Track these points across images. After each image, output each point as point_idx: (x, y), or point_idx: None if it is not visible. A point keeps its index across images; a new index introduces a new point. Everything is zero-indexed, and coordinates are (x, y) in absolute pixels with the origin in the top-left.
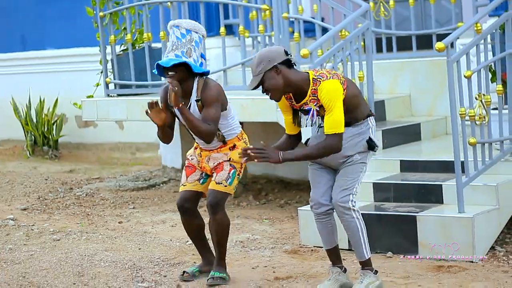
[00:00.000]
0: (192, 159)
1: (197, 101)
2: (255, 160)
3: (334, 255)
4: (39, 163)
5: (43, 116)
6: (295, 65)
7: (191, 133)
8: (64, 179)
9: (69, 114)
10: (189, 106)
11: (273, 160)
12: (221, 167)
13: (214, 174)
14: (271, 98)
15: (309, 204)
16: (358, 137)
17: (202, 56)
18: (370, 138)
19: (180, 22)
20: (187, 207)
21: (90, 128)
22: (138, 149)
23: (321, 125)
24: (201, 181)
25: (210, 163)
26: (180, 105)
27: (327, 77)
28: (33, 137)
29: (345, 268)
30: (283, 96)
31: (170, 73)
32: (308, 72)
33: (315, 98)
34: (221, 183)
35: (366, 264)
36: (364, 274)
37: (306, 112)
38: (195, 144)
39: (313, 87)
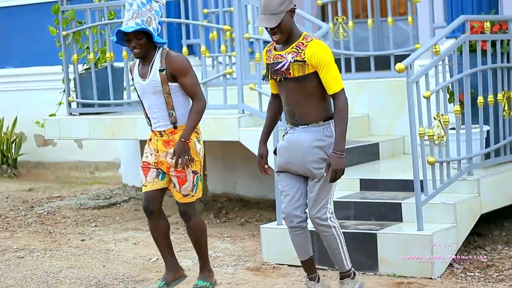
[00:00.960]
0: (147, 156)
1: (161, 70)
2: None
3: (309, 266)
4: None
5: (2, 135)
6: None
7: (146, 111)
8: (24, 197)
9: (28, 133)
10: (148, 74)
11: (340, 163)
12: (184, 178)
13: (177, 185)
14: (276, 40)
15: (270, 222)
16: (325, 148)
17: (160, 23)
18: None
19: None
20: (152, 209)
21: (49, 147)
22: (97, 168)
23: (284, 77)
24: (159, 177)
25: (168, 158)
26: (187, 140)
27: (315, 37)
28: None
29: (319, 277)
30: (265, 50)
31: (137, 37)
32: None
33: (296, 51)
34: (188, 195)
35: (345, 274)
36: (342, 283)
37: (276, 64)
38: (150, 136)
39: (301, 41)
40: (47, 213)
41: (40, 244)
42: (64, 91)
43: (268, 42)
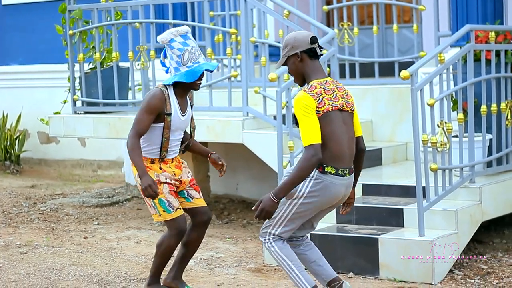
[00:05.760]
0: (166, 179)
1: (191, 105)
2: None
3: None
4: (1, 178)
5: (5, 131)
6: (319, 55)
7: (167, 145)
8: (27, 194)
9: (32, 130)
10: (186, 110)
11: (270, 206)
12: (198, 186)
13: (196, 192)
14: (294, 81)
15: None
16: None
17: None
18: None
19: (187, 28)
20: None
21: (52, 145)
22: (100, 166)
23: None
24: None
25: (184, 177)
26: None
27: (306, 88)
28: None
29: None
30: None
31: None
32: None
33: None
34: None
35: None
36: None
37: None
38: (158, 166)
39: None
40: (50, 210)
41: (43, 241)
42: (69, 89)
43: (272, 46)
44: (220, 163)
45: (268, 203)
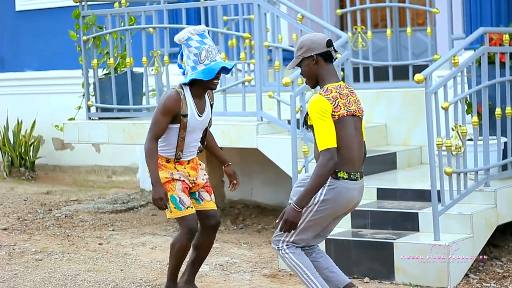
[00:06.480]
0: (182, 178)
1: (211, 105)
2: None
3: None
4: (16, 184)
5: (20, 138)
6: (334, 59)
7: (182, 146)
8: (42, 200)
9: (46, 136)
10: (204, 110)
11: (294, 216)
12: (210, 188)
13: (207, 195)
14: (305, 83)
15: None
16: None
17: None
18: None
19: (204, 27)
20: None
21: (67, 151)
22: (114, 172)
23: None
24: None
25: (199, 179)
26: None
27: (322, 91)
28: (10, 158)
29: None
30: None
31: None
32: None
33: None
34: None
35: None
36: None
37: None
38: (172, 166)
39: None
40: (65, 216)
41: (58, 247)
42: (83, 95)
43: (286, 51)
44: (235, 180)
45: (291, 213)
